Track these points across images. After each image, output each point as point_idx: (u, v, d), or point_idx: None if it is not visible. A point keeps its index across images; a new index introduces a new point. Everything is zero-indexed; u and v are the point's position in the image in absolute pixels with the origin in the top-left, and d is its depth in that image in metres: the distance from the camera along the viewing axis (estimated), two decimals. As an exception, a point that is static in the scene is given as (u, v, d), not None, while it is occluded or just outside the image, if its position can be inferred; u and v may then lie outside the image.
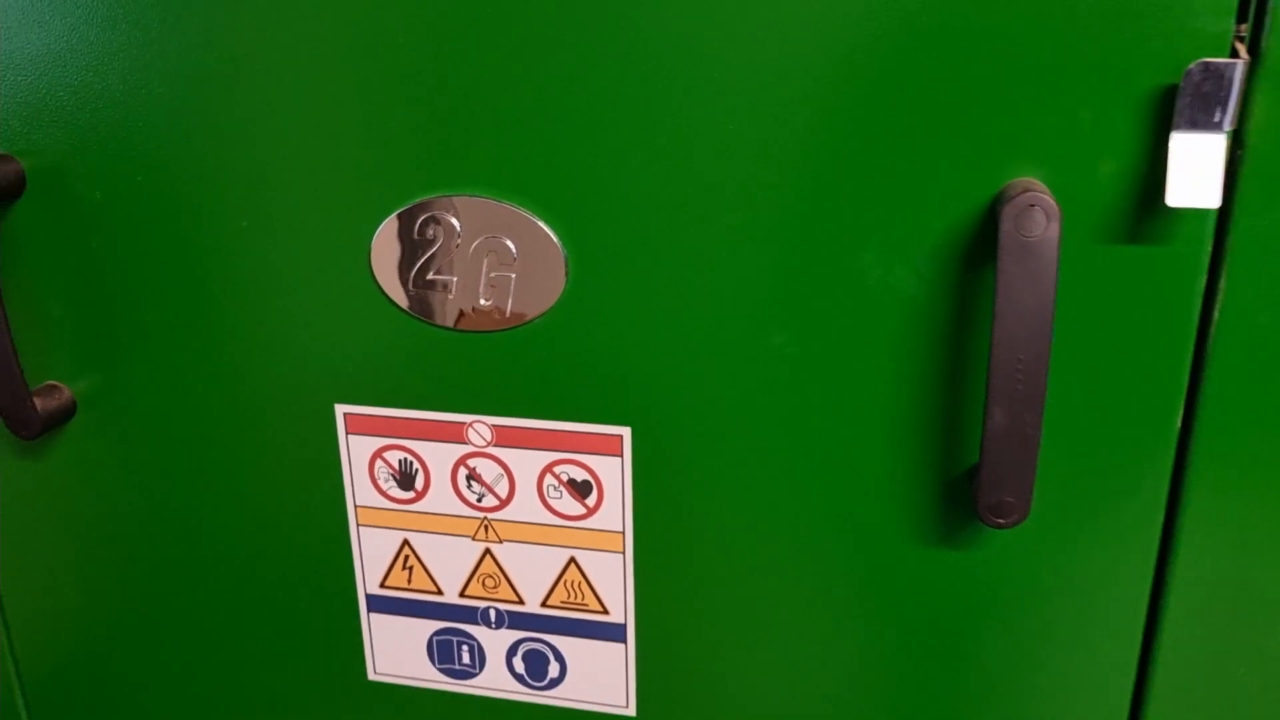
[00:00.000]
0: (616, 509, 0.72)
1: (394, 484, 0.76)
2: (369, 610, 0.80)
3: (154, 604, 0.85)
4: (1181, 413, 0.62)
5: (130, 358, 0.77)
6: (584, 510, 0.73)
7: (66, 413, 0.79)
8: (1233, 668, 0.67)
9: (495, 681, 0.80)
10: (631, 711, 0.78)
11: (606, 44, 0.61)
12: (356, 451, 0.75)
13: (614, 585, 0.75)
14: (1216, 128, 0.55)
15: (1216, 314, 0.60)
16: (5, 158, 0.72)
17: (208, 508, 0.81)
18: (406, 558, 0.78)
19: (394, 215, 0.68)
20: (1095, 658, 0.68)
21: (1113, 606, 0.67)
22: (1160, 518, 0.64)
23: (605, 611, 0.75)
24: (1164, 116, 0.56)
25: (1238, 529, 0.63)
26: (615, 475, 0.71)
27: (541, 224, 0.66)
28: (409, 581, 0.78)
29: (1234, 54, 0.55)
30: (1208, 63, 0.54)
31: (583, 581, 0.75)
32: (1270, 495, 0.62)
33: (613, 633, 0.76)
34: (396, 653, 0.81)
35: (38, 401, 0.76)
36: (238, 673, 0.86)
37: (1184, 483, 0.63)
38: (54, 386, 0.79)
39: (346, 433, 0.75)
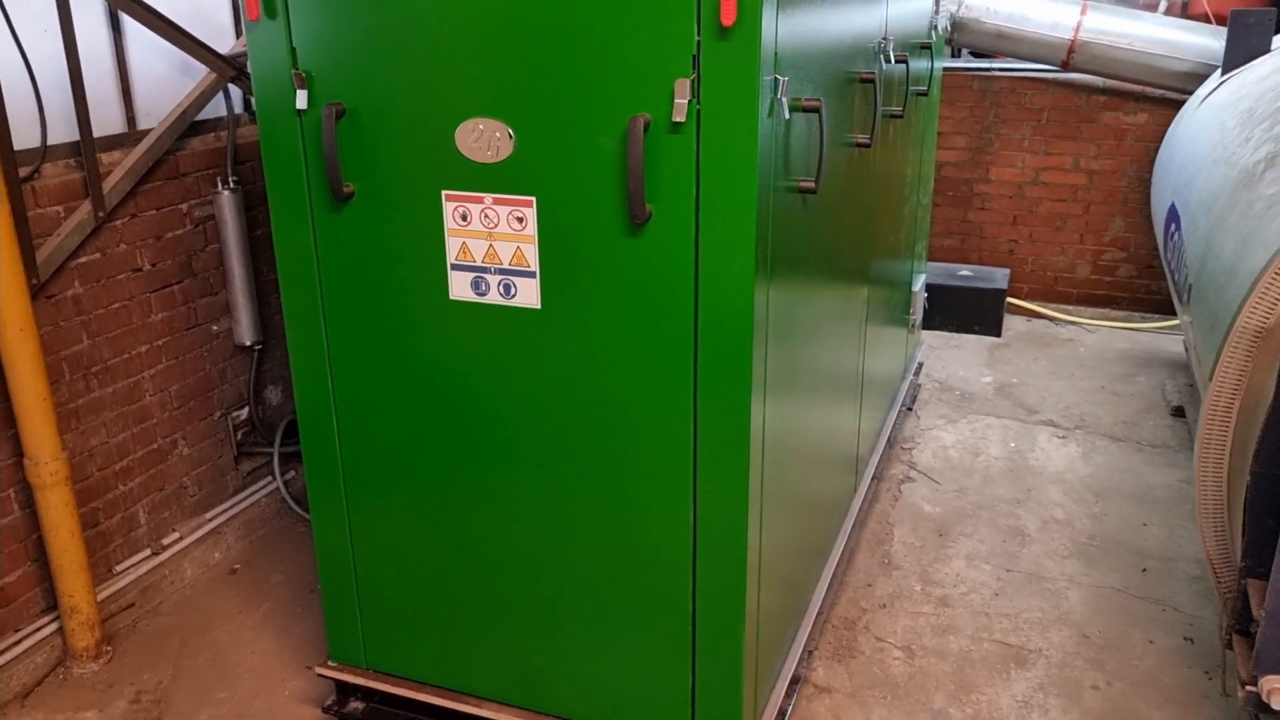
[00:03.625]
0: (533, 227, 2.13)
1: (460, 220, 2.18)
2: (451, 270, 2.23)
3: (375, 281, 2.30)
4: (695, 179, 1.98)
5: (369, 175, 2.21)
6: (521, 228, 2.13)
7: (350, 196, 2.24)
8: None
9: (494, 298, 2.21)
10: (539, 305, 2.18)
11: (536, 72, 2.02)
12: (448, 208, 2.18)
13: (533, 257, 2.15)
14: (687, 97, 1.91)
15: (700, 153, 1.96)
16: (339, 104, 2.17)
17: (398, 239, 2.24)
18: (463, 247, 2.20)
19: (460, 124, 2.10)
20: (683, 250, 2.04)
21: (680, 232, 2.03)
22: (692, 212, 2.00)
23: (530, 266, 2.16)
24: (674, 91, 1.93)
25: (721, 188, 1.99)
26: (532, 215, 2.12)
27: (506, 125, 2.07)
28: (464, 258, 2.20)
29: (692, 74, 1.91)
30: (684, 80, 1.90)
31: (523, 255, 2.16)
32: (728, 188, 1.97)
33: (532, 275, 2.16)
34: (459, 286, 2.23)
35: (344, 189, 2.22)
36: (402, 299, 2.29)
37: (699, 198, 1.99)
38: (347, 184, 2.24)
39: (445, 201, 2.17)
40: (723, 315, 2.04)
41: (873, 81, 2.77)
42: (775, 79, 1.97)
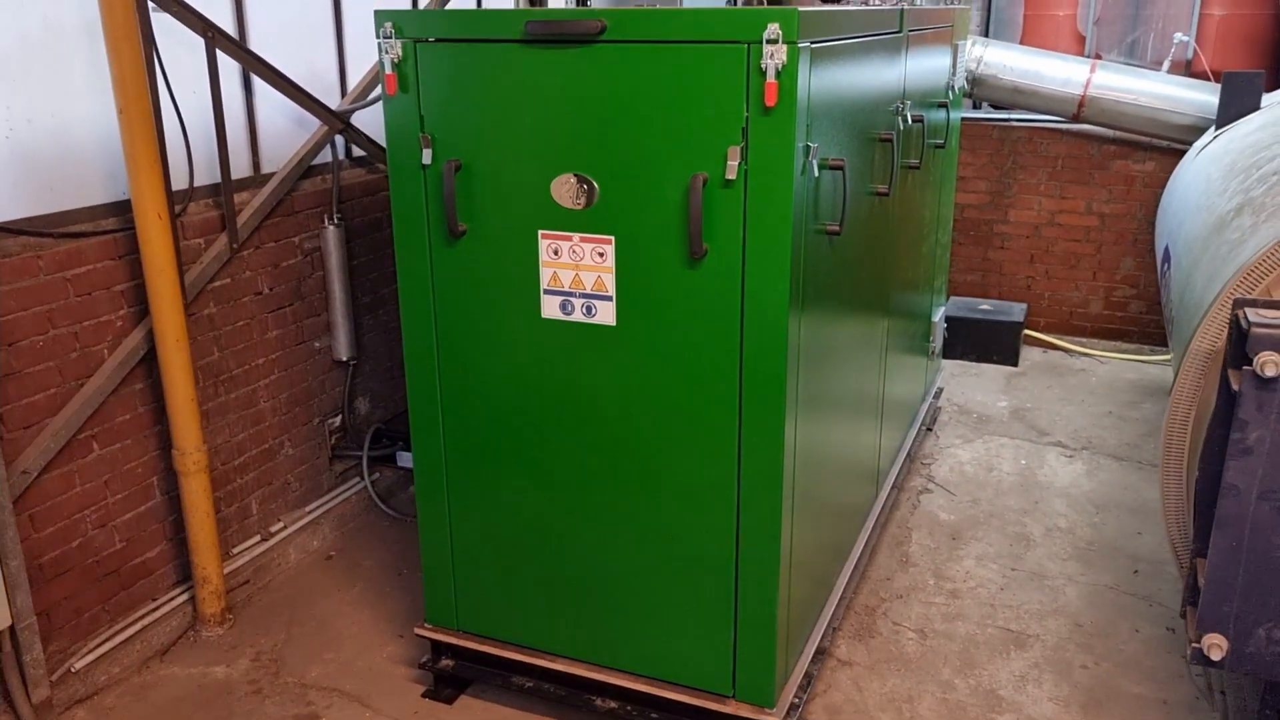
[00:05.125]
0: (612, 260, 2.65)
1: (552, 254, 2.70)
2: (543, 294, 2.75)
3: (485, 301, 2.83)
4: (743, 224, 2.49)
5: (479, 217, 2.75)
6: (602, 261, 2.66)
7: (462, 234, 2.78)
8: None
9: (578, 317, 2.73)
10: (614, 323, 2.70)
11: (601, 146, 2.55)
12: (543, 245, 2.71)
13: (611, 284, 2.67)
14: (738, 160, 2.43)
15: (747, 204, 2.47)
16: (457, 160, 2.71)
17: (500, 268, 2.77)
18: (554, 276, 2.72)
19: (555, 177, 2.63)
20: (732, 281, 2.56)
21: (730, 265, 2.54)
22: (739, 250, 2.52)
23: (608, 292, 2.68)
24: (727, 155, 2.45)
25: (763, 231, 2.50)
26: (611, 250, 2.64)
27: (593, 179, 2.60)
28: (554, 284, 2.73)
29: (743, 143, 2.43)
30: (735, 147, 2.43)
31: (603, 282, 2.68)
32: (768, 232, 2.49)
33: (609, 299, 2.68)
34: (549, 307, 2.75)
35: (458, 228, 2.75)
36: (501, 318, 2.82)
37: (746, 239, 2.50)
38: (461, 224, 2.78)
39: (540, 239, 2.71)
40: (763, 334, 2.55)
41: (891, 140, 3.28)
42: (807, 145, 2.48)
